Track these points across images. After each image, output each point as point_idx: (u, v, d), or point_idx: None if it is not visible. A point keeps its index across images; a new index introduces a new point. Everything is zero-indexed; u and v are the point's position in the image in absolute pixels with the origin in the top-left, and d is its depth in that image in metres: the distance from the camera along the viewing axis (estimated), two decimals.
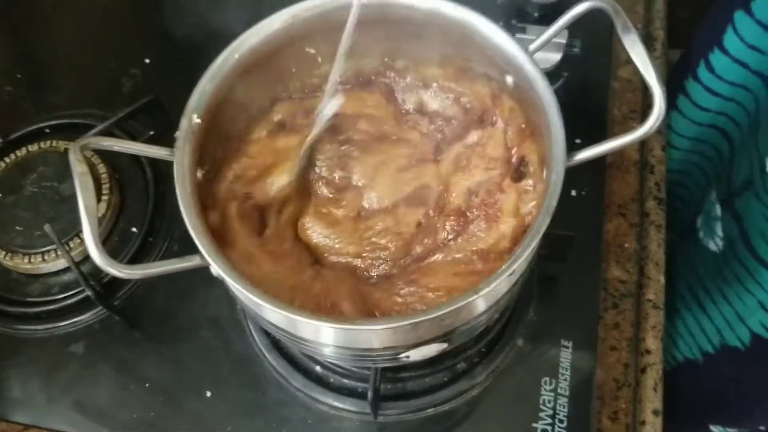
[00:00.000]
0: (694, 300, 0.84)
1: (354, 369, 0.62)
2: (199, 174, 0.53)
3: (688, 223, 0.87)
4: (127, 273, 0.45)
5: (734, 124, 0.83)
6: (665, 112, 0.47)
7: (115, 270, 0.44)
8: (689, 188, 0.96)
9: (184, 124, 0.51)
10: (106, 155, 0.71)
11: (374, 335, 0.48)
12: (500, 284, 0.46)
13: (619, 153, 0.78)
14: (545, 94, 0.50)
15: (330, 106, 0.58)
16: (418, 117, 0.63)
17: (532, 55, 0.52)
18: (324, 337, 0.50)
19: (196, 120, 0.52)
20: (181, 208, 0.48)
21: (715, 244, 0.80)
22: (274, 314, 0.48)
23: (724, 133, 0.85)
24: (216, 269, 0.47)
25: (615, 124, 0.79)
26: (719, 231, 0.78)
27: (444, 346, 0.51)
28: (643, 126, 0.47)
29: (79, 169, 0.47)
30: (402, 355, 0.50)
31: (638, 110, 0.81)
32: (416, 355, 0.50)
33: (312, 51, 0.59)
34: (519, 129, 0.57)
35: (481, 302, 0.49)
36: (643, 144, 0.78)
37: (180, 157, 0.50)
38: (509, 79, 0.55)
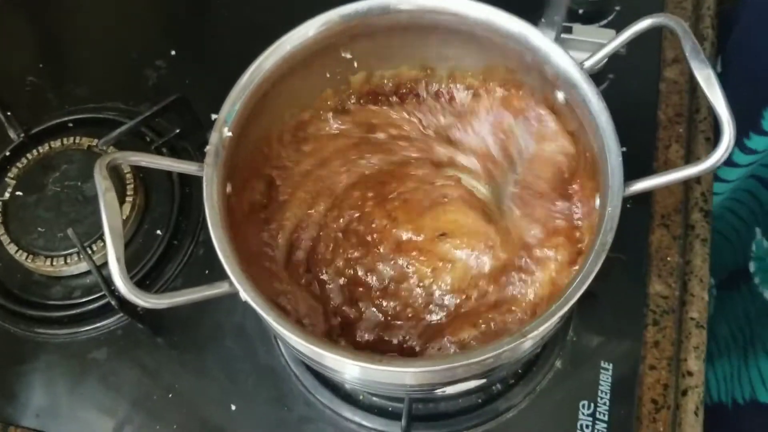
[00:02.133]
0: (735, 345, 0.81)
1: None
2: (229, 188, 0.50)
3: (736, 266, 0.83)
4: (153, 303, 0.43)
5: None
6: (734, 144, 0.44)
7: (140, 300, 0.42)
8: (733, 226, 0.92)
9: (214, 138, 0.49)
10: None
11: (410, 376, 0.46)
12: (548, 326, 0.44)
13: (664, 160, 0.74)
14: (601, 116, 0.47)
15: None
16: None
17: (587, 73, 0.48)
18: (357, 372, 0.47)
19: (227, 133, 0.49)
20: (210, 230, 0.46)
21: None
22: (304, 348, 0.46)
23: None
24: (245, 296, 0.44)
25: (660, 128, 0.75)
26: None
27: (482, 381, 0.49)
28: (711, 158, 0.44)
29: (104, 186, 0.44)
30: (438, 391, 0.48)
31: (684, 114, 0.77)
32: (453, 389, 0.48)
33: (348, 56, 0.56)
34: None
35: (527, 343, 0.46)
36: (688, 151, 0.74)
37: (210, 174, 0.47)
38: (560, 96, 0.52)
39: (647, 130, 0.74)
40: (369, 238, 0.57)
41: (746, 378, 0.77)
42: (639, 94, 0.76)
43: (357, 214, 0.58)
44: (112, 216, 0.43)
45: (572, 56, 0.49)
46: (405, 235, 0.57)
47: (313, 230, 0.57)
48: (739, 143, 0.79)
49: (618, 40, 0.48)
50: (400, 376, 0.45)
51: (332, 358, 0.43)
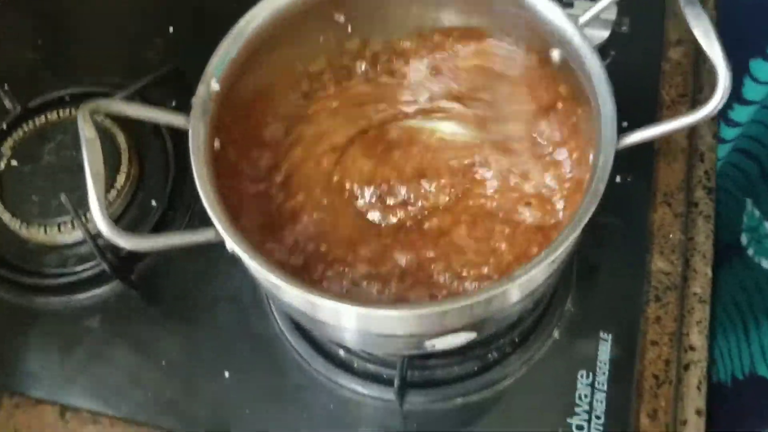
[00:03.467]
0: (731, 322, 0.79)
1: (379, 354, 0.59)
2: (217, 144, 0.50)
3: (725, 241, 0.83)
4: (133, 244, 0.42)
5: None
6: (729, 93, 0.43)
7: (120, 240, 0.41)
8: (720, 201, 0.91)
9: (201, 90, 0.48)
10: (126, 125, 0.69)
11: (397, 321, 0.45)
12: (538, 272, 0.43)
13: (666, 139, 0.73)
14: (595, 70, 0.46)
15: None
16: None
17: (582, 29, 0.48)
18: (345, 321, 0.47)
19: (215, 86, 0.49)
20: (196, 179, 0.45)
21: None
22: (293, 296, 0.45)
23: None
24: (231, 244, 0.44)
25: (663, 109, 0.75)
26: None
27: (472, 336, 0.48)
28: (706, 106, 0.44)
29: (87, 134, 0.44)
30: (427, 343, 0.47)
31: (688, 95, 0.76)
32: (442, 344, 0.47)
33: (342, 19, 0.56)
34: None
35: (516, 291, 0.45)
36: (692, 130, 0.73)
37: (196, 125, 0.47)
38: (555, 54, 0.51)
39: (649, 110, 0.73)
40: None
41: (746, 353, 0.76)
42: (641, 74, 0.75)
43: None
44: (94, 161, 0.43)
45: (567, 12, 0.49)
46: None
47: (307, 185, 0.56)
48: (724, 116, 0.79)
49: None
50: (390, 322, 0.44)
51: (324, 306, 0.42)
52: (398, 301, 0.54)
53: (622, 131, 0.46)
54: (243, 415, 0.59)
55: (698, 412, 0.61)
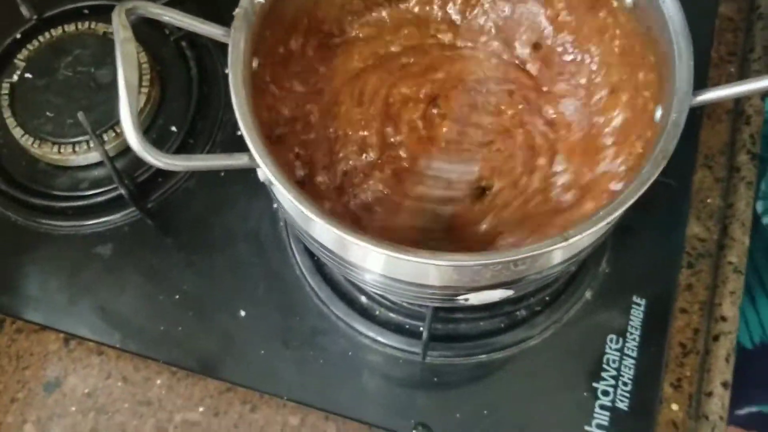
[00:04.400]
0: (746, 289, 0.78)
1: (403, 303, 0.56)
2: (255, 63, 0.46)
3: None
4: (166, 163, 0.39)
5: None
6: None
7: (153, 158, 0.38)
8: None
9: (244, 2, 0.44)
10: (149, 44, 0.65)
11: (435, 270, 0.42)
12: (592, 233, 0.40)
13: None
14: (675, 16, 0.43)
15: None
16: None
17: None
18: (378, 265, 0.44)
19: None
20: (233, 96, 0.42)
21: None
22: (325, 233, 0.42)
23: None
24: (265, 172, 0.41)
25: (711, 68, 0.71)
26: None
27: (509, 293, 0.45)
28: None
29: (122, 35, 0.40)
30: (461, 297, 0.45)
31: (737, 53, 0.72)
32: (476, 299, 0.45)
33: None
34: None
35: (563, 251, 0.43)
36: None
37: (237, 39, 0.43)
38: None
39: (700, 67, 0.69)
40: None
41: (756, 321, 0.74)
42: (692, 29, 0.71)
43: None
44: (128, 69, 0.39)
45: None
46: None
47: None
48: None
49: None
50: (424, 269, 0.41)
51: (357, 245, 0.39)
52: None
53: None
54: (257, 355, 0.56)
55: (724, 384, 0.59)
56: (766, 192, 0.77)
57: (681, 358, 0.59)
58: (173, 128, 0.63)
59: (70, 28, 0.66)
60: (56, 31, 0.65)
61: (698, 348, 0.60)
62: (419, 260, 0.39)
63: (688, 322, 0.60)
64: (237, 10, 0.44)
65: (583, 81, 0.55)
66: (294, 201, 0.39)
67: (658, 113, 0.44)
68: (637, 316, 0.57)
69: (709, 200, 0.66)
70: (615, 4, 0.50)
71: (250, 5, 0.44)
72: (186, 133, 0.63)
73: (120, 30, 0.40)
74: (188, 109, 0.64)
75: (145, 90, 0.62)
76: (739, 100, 0.69)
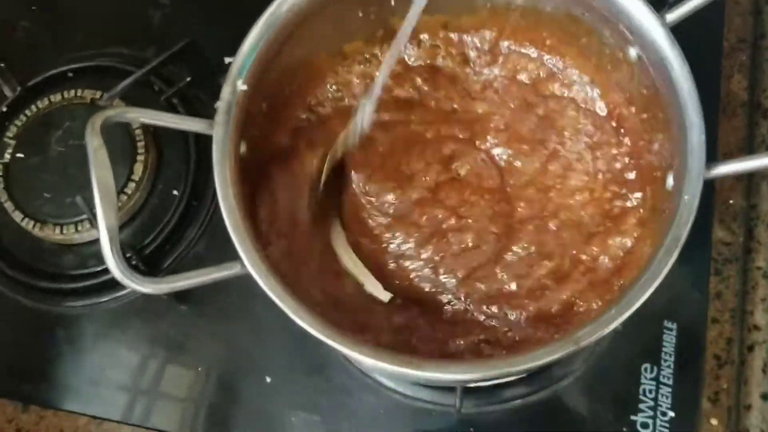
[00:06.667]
0: None
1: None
2: (243, 148, 0.44)
3: None
4: (152, 288, 0.38)
5: None
6: None
7: (136, 284, 0.37)
8: None
9: (226, 93, 0.42)
10: (140, 107, 0.63)
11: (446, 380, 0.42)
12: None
13: (724, 91, 0.67)
14: (682, 81, 0.40)
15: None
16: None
17: (669, 28, 0.41)
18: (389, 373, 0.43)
19: (242, 87, 0.43)
20: (221, 202, 0.40)
21: None
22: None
23: None
24: (258, 281, 0.39)
25: (723, 58, 0.68)
26: None
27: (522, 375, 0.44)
28: None
29: (94, 143, 0.39)
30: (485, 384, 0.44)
31: (748, 40, 0.69)
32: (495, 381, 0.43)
33: None
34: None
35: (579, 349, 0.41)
36: (754, 82, 0.67)
37: (221, 135, 0.41)
38: (632, 53, 0.45)
39: (712, 56, 0.66)
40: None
41: None
42: (702, 13, 0.68)
43: None
44: (103, 177, 0.38)
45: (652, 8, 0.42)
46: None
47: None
48: None
49: None
50: (438, 379, 0.40)
51: (358, 357, 0.38)
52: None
53: None
54: (287, 422, 0.56)
55: (763, 397, 0.58)
56: None
57: (717, 370, 0.58)
58: (175, 192, 0.62)
59: (56, 97, 0.63)
60: (42, 103, 0.63)
61: (733, 358, 0.58)
62: (431, 376, 0.38)
63: (720, 331, 0.59)
64: (218, 104, 0.42)
65: None
66: (292, 315, 0.38)
67: (670, 181, 0.41)
68: (669, 341, 0.56)
69: (731, 201, 0.63)
70: None
71: (232, 96, 0.42)
72: (189, 195, 0.61)
73: (91, 138, 0.39)
74: (188, 169, 0.62)
75: (141, 158, 0.60)
76: (753, 92, 0.67)
